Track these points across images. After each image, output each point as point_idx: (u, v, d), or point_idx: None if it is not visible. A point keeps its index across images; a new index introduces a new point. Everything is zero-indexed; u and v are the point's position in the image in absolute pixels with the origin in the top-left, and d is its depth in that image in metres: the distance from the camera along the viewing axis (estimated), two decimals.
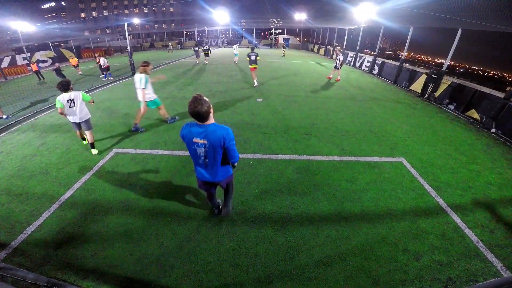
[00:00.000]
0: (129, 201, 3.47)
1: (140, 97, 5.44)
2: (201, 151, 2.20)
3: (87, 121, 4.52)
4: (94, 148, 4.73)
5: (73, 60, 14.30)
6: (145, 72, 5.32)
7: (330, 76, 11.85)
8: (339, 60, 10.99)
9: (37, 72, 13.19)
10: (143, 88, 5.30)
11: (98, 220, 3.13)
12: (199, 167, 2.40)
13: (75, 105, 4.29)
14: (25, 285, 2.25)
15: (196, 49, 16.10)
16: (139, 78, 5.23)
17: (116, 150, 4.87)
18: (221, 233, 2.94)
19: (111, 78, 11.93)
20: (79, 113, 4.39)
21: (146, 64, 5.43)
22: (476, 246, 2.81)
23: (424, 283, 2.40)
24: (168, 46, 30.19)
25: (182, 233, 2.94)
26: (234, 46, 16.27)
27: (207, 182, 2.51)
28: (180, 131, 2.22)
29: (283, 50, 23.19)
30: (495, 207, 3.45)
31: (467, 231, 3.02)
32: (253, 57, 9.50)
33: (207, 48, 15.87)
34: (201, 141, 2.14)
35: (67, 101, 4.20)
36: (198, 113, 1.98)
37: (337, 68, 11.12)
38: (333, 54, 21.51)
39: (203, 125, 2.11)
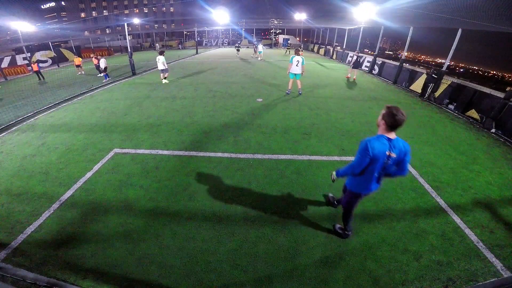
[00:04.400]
0: (129, 201, 3.47)
1: (301, 71, 8.17)
2: (387, 164, 2.14)
3: (164, 70, 10.39)
4: (165, 79, 10.75)
5: (77, 60, 14.37)
6: (301, 55, 8.07)
7: (349, 76, 12.18)
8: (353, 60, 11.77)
9: (37, 72, 13.20)
10: (304, 65, 8.11)
11: (98, 220, 3.14)
12: (371, 181, 2.26)
13: (159, 62, 10.06)
14: (25, 285, 2.25)
15: (237, 45, 22.88)
16: (301, 58, 7.99)
17: (116, 150, 4.87)
18: (221, 233, 2.94)
19: (109, 78, 11.94)
20: (161, 65, 10.10)
21: (301, 49, 9.24)
22: (476, 246, 2.81)
23: (424, 283, 2.40)
24: (156, 47, 30.25)
25: (182, 233, 2.94)
26: (260, 46, 19.88)
27: (365, 195, 2.45)
28: (370, 148, 2.06)
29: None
30: (495, 207, 3.45)
31: (467, 231, 3.02)
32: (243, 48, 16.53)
33: (238, 45, 22.49)
34: (393, 155, 2.08)
35: (157, 59, 10.06)
36: (401, 124, 1.98)
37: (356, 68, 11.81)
38: (333, 54, 21.52)
39: (391, 138, 2.08)
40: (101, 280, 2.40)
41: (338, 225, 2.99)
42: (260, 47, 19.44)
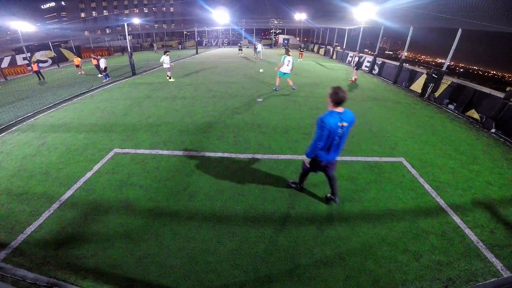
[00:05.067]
0: (129, 201, 3.47)
1: (289, 70, 8.68)
2: (340, 133, 2.61)
3: (167, 68, 10.80)
4: (170, 78, 11.21)
5: (76, 60, 14.39)
6: (290, 55, 8.62)
7: (353, 79, 11.60)
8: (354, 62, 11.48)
9: (37, 72, 13.20)
10: (293, 64, 8.72)
11: (98, 220, 3.14)
12: (329, 150, 2.74)
13: (163, 61, 10.59)
14: (25, 285, 2.25)
15: (240, 45, 24.34)
16: (292, 58, 8.56)
17: (116, 150, 4.87)
18: (221, 233, 2.94)
19: (109, 78, 11.94)
20: (165, 64, 10.65)
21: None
22: (476, 246, 2.81)
23: (424, 283, 2.40)
24: (153, 47, 30.33)
25: (182, 233, 2.94)
26: (259, 46, 19.79)
27: (328, 162, 2.91)
28: (325, 123, 2.51)
29: (301, 52, 19.18)
30: (495, 207, 3.45)
31: (467, 231, 3.02)
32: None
33: (240, 45, 23.95)
34: (345, 124, 2.58)
35: (162, 58, 10.55)
36: (344, 100, 2.52)
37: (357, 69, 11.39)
38: (333, 54, 21.51)
39: (340, 112, 2.57)
40: (101, 280, 2.40)
41: (291, 181, 3.75)
42: (260, 47, 19.45)
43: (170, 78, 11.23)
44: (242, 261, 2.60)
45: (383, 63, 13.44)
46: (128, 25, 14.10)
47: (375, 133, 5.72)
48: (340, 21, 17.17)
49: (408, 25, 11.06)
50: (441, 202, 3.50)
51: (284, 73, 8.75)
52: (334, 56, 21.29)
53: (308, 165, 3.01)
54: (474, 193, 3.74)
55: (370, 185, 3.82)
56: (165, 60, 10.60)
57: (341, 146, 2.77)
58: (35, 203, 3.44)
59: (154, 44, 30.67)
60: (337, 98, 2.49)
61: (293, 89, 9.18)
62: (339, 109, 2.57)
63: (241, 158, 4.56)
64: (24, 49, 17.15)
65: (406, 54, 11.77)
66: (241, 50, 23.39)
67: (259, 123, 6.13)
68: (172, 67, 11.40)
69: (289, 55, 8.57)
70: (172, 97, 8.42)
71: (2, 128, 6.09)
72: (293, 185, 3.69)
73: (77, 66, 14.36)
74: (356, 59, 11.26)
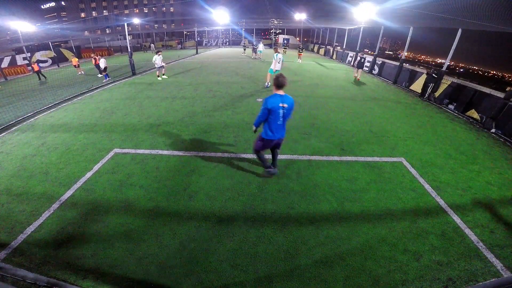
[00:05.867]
0: (129, 201, 3.47)
1: (279, 68, 9.08)
2: (282, 113, 3.14)
3: (160, 67, 11.25)
4: (164, 75, 11.71)
5: (74, 60, 14.37)
6: (279, 52, 9.15)
7: (356, 75, 11.93)
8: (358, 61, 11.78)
9: (38, 72, 13.20)
10: (284, 62, 9.41)
11: (98, 220, 3.13)
12: (276, 129, 3.25)
13: (155, 61, 10.95)
14: (25, 285, 2.25)
15: (243, 44, 25.74)
16: (282, 56, 9.06)
17: (116, 150, 4.87)
18: (221, 233, 2.94)
19: (109, 78, 11.94)
20: (158, 63, 11.01)
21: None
22: (476, 246, 2.81)
23: (424, 283, 2.40)
24: (150, 47, 30.35)
25: (182, 233, 2.94)
26: (260, 45, 19.96)
27: (279, 140, 3.40)
28: (267, 103, 3.05)
29: (300, 52, 18.36)
30: (495, 207, 3.45)
31: (467, 231, 3.02)
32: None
33: (244, 45, 24.97)
34: (285, 105, 3.11)
35: (154, 58, 10.91)
36: (285, 85, 3.10)
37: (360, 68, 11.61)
38: (333, 54, 21.50)
39: (281, 95, 3.12)
40: (101, 280, 2.40)
41: (265, 170, 3.88)
42: (261, 47, 19.45)
43: (161, 75, 11.66)
44: (242, 261, 2.60)
45: (383, 63, 13.44)
46: (128, 25, 14.10)
47: (375, 133, 5.72)
48: (340, 21, 17.17)
49: (408, 25, 11.07)
50: (441, 202, 3.50)
51: (275, 70, 9.15)
52: (334, 56, 21.29)
53: (258, 146, 3.49)
54: (474, 193, 3.74)
55: (370, 185, 3.82)
56: (157, 60, 10.93)
57: (284, 126, 3.33)
58: (35, 203, 3.44)
59: (152, 45, 30.77)
60: (278, 82, 3.04)
61: (267, 86, 9.84)
62: (281, 92, 3.12)
63: (241, 158, 4.56)
64: (24, 49, 17.14)
65: (406, 54, 11.77)
66: (245, 49, 24.21)
67: None
68: (165, 67, 11.90)
69: (278, 52, 9.05)
70: (172, 97, 8.42)
71: (2, 128, 6.09)
72: (267, 173, 3.89)
73: (75, 66, 14.34)
74: (358, 58, 11.61)
